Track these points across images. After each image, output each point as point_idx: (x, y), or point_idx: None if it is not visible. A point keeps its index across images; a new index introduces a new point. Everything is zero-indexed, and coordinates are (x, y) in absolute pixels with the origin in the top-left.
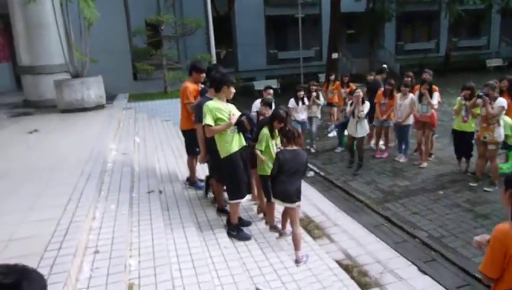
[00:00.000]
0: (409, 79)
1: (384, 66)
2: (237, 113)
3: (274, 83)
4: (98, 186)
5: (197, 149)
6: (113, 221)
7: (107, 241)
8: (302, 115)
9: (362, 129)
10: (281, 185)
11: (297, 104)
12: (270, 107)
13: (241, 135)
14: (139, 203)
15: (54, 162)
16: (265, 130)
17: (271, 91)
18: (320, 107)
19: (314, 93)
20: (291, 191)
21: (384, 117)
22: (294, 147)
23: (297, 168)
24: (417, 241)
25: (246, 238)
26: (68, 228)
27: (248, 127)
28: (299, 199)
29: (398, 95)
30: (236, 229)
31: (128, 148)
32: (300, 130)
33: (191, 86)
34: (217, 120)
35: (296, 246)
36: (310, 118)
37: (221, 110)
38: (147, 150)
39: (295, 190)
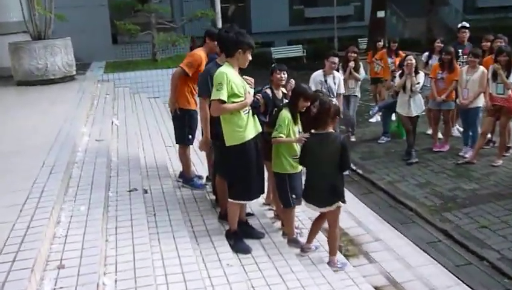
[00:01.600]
0: (488, 44)
1: (465, 24)
2: (251, 91)
3: (298, 50)
4: (65, 181)
5: (190, 137)
6: (83, 227)
7: (74, 253)
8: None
9: (417, 106)
10: (310, 181)
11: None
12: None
13: (256, 117)
14: (117, 205)
15: (7, 150)
16: (285, 113)
17: (284, 75)
18: (359, 82)
19: (351, 64)
20: (326, 188)
21: (443, 97)
22: (329, 130)
23: (330, 157)
24: (485, 264)
25: (244, 250)
26: (25, 235)
27: (262, 108)
28: (339, 197)
29: (463, 69)
30: (234, 237)
31: (105, 133)
32: None
33: (203, 55)
34: (230, 97)
35: (332, 251)
36: (347, 97)
37: (236, 83)
38: (129, 135)
39: (331, 186)
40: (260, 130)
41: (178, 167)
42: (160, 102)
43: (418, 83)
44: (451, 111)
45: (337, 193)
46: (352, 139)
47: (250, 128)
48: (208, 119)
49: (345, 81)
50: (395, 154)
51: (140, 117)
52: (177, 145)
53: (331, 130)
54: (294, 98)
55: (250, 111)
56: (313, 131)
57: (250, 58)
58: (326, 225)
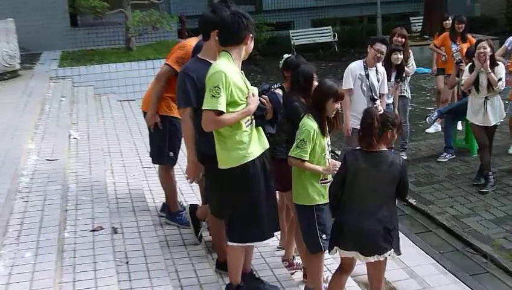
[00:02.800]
0: None
1: None
2: (255, 90)
3: (327, 34)
4: (4, 217)
5: (171, 154)
6: (28, 279)
7: None
8: (387, 96)
9: (496, 111)
10: (352, 218)
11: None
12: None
13: (260, 128)
14: (76, 249)
15: None
16: (308, 122)
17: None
18: (409, 78)
19: (396, 56)
20: (374, 229)
21: None
22: (382, 148)
23: (383, 187)
24: None
25: None
26: None
27: (270, 115)
28: (393, 244)
29: None
30: None
31: (59, 151)
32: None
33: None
34: (229, 105)
35: None
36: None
37: (238, 85)
38: (92, 153)
39: (383, 227)
40: (267, 145)
41: (160, 197)
42: (136, 106)
43: (500, 80)
44: None
45: (391, 237)
46: (403, 156)
47: (255, 143)
48: (192, 136)
49: (401, 79)
50: (462, 178)
51: (109, 128)
52: (158, 166)
53: (383, 148)
54: (321, 99)
55: (254, 121)
56: (357, 147)
57: (252, 46)
58: (360, 276)
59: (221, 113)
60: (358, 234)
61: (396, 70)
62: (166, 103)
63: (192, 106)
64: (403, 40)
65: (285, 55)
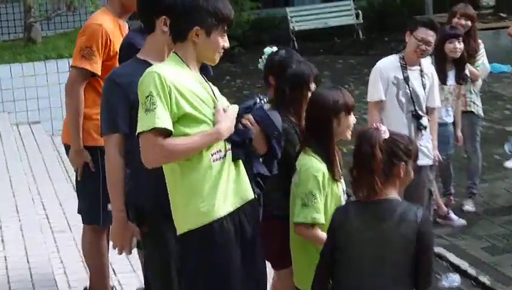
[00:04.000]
0: None
1: None
2: (231, 108)
3: (346, 13)
4: None
5: (109, 206)
6: None
7: None
8: (444, 110)
9: None
10: None
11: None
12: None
13: (241, 165)
14: None
15: None
16: (312, 162)
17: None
18: (479, 84)
19: (453, 45)
20: None
21: None
22: (390, 195)
23: (391, 258)
24: None
25: None
26: None
27: (263, 149)
28: None
29: None
30: None
31: None
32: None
33: (107, 25)
34: (180, 123)
35: None
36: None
37: (192, 91)
38: None
39: None
40: (250, 195)
41: (79, 278)
42: (42, 133)
43: None
44: None
45: None
46: (468, 206)
47: (227, 191)
48: (119, 178)
49: (463, 80)
50: None
51: None
52: (80, 228)
53: (393, 195)
54: (322, 119)
55: (229, 154)
56: (353, 198)
57: (227, 43)
58: None
59: (166, 134)
60: None
61: (455, 68)
62: (93, 125)
63: (121, 131)
64: (469, 22)
65: (268, 49)
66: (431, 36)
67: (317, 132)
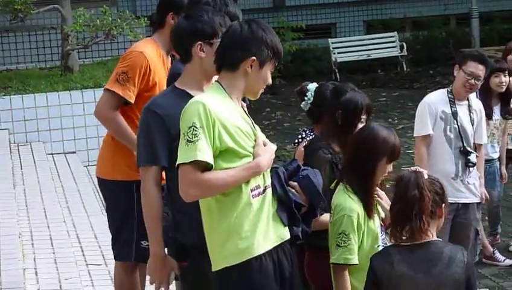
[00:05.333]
0: None
1: None
2: (272, 146)
3: (390, 45)
4: None
5: (144, 243)
6: None
7: None
8: (490, 146)
9: None
10: None
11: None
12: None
13: (275, 203)
14: None
15: None
16: (345, 200)
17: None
18: None
19: (499, 79)
20: None
21: None
22: (434, 237)
23: None
24: None
25: None
26: None
27: (302, 197)
28: None
29: None
30: None
31: None
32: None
33: (149, 54)
34: (220, 157)
35: None
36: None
37: (235, 125)
38: (2, 242)
39: None
40: (286, 235)
41: None
42: (77, 163)
43: None
44: None
45: None
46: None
47: (267, 229)
48: (157, 213)
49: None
50: None
51: (32, 199)
52: (110, 265)
53: (433, 237)
54: (369, 158)
55: (269, 190)
56: (392, 241)
57: (270, 79)
58: None
59: (205, 168)
60: None
61: (500, 102)
62: (126, 157)
63: (160, 164)
64: None
65: (312, 85)
66: (481, 70)
67: (361, 168)
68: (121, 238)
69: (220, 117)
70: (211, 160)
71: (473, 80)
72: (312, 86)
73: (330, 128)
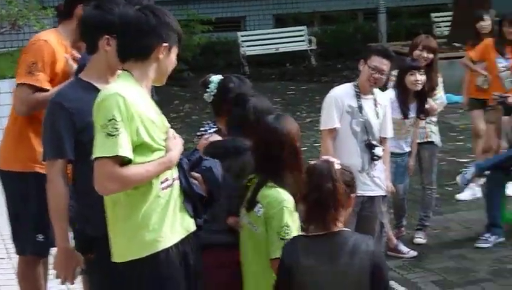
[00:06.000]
0: None
1: None
2: (179, 136)
3: (299, 39)
4: None
5: (41, 237)
6: None
7: None
8: (399, 139)
9: None
10: None
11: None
12: None
13: (181, 196)
14: None
15: None
16: (279, 194)
17: None
18: (436, 114)
19: (414, 77)
20: None
21: None
22: (341, 227)
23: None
24: None
25: None
26: None
27: (203, 187)
28: None
29: None
30: None
31: None
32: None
33: (53, 43)
34: (138, 149)
35: None
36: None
37: (150, 119)
38: None
39: None
40: (192, 226)
41: None
42: None
43: None
44: None
45: None
46: (419, 239)
47: (174, 221)
48: (64, 206)
49: (425, 112)
50: None
51: None
52: (14, 259)
53: (339, 227)
54: (277, 148)
55: (176, 182)
56: (301, 233)
57: (174, 59)
58: None
59: (122, 161)
60: None
61: (416, 101)
62: (29, 147)
63: (67, 157)
64: (431, 55)
65: (215, 77)
66: (385, 65)
67: (273, 162)
68: (17, 231)
69: (138, 111)
70: (131, 155)
71: (377, 74)
72: (215, 78)
73: (242, 129)
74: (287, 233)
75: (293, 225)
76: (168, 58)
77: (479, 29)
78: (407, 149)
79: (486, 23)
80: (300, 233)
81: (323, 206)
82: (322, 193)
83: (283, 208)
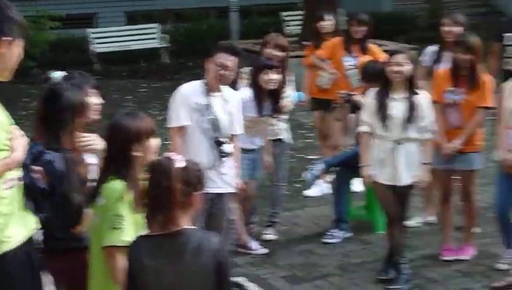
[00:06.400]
0: None
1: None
2: (23, 134)
3: (151, 37)
4: None
5: None
6: None
7: None
8: (252, 137)
9: (411, 164)
10: None
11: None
12: None
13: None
14: None
15: None
16: (120, 185)
17: None
18: (287, 112)
19: (268, 76)
20: None
21: (458, 144)
22: (185, 225)
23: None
24: None
25: None
26: None
27: (45, 180)
28: None
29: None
30: None
31: None
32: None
33: None
34: None
35: None
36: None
37: None
38: None
39: None
40: (34, 226)
41: None
42: None
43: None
44: (474, 174)
45: None
46: (269, 235)
47: (19, 221)
48: None
49: (278, 110)
50: (360, 268)
51: None
52: None
53: (181, 225)
54: (125, 148)
55: (20, 182)
56: (144, 233)
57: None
58: None
59: None
60: None
61: (270, 100)
62: None
63: None
64: (282, 54)
65: (54, 74)
66: (229, 61)
67: (119, 160)
68: None
69: None
70: None
71: (222, 71)
72: (57, 75)
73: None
74: (119, 222)
75: (128, 216)
76: (11, 52)
77: (319, 28)
78: (261, 144)
79: (326, 23)
80: (145, 232)
81: (160, 205)
82: (159, 190)
83: (117, 198)
